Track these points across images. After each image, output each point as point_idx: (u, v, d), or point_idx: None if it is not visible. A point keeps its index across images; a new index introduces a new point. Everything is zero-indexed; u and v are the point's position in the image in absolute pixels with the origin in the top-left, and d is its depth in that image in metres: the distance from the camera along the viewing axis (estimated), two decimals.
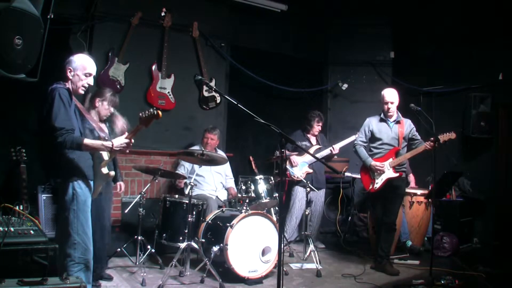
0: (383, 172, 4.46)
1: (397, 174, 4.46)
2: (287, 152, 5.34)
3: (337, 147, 5.23)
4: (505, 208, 5.62)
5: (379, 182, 4.48)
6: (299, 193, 5.35)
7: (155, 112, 2.67)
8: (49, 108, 2.71)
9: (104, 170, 2.98)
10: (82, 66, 2.89)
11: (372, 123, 4.62)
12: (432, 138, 4.23)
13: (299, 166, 5.30)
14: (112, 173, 3.05)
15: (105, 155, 3.02)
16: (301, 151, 5.20)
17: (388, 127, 4.56)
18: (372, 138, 4.61)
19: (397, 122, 4.55)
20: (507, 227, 5.45)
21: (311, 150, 5.25)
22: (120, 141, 2.81)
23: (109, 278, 3.85)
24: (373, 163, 4.48)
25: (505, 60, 5.60)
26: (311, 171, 5.30)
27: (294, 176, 5.21)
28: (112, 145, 2.77)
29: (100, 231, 3.62)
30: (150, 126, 5.40)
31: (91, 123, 3.21)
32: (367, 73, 6.94)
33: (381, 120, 4.60)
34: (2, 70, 2.16)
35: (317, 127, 5.44)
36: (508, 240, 5.24)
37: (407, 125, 4.59)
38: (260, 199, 4.53)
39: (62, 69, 2.91)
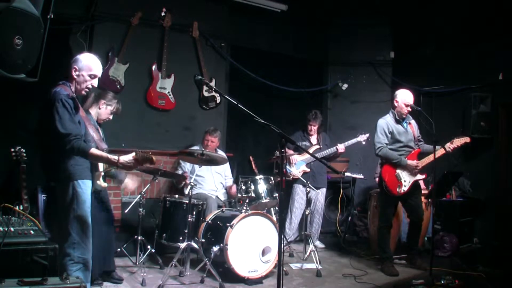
0: (417, 171, 4.40)
1: (424, 176, 4.44)
2: (289, 152, 5.36)
3: (342, 146, 5.22)
4: (505, 208, 5.62)
5: (407, 184, 4.42)
6: (298, 192, 5.35)
7: (149, 156, 2.67)
8: (52, 114, 2.68)
9: (99, 181, 2.99)
10: (88, 67, 2.86)
11: (390, 124, 4.51)
12: (452, 140, 4.32)
13: (297, 165, 5.30)
14: (105, 184, 3.05)
15: (100, 167, 3.01)
16: (301, 151, 5.21)
17: (404, 129, 4.53)
18: (392, 140, 4.50)
19: (409, 123, 4.55)
20: (507, 227, 5.45)
21: (310, 150, 5.25)
22: (127, 158, 2.78)
23: (120, 279, 3.80)
24: (410, 162, 4.38)
25: (505, 60, 5.60)
26: (308, 170, 5.30)
27: (290, 174, 5.21)
28: (118, 160, 2.74)
29: (108, 226, 3.63)
30: (150, 126, 5.45)
31: (92, 133, 3.19)
32: (367, 73, 6.94)
33: (397, 121, 4.53)
34: (2, 70, 2.16)
35: (309, 127, 5.42)
36: (508, 240, 5.24)
37: (416, 127, 4.61)
38: (260, 199, 4.53)
39: (68, 67, 2.89)
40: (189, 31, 5.59)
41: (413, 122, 4.63)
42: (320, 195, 5.44)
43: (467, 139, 4.38)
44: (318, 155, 5.18)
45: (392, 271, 4.41)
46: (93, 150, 2.70)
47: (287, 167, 5.24)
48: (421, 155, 4.53)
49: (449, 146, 4.34)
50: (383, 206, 4.64)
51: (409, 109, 4.45)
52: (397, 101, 4.50)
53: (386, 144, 4.49)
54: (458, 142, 4.35)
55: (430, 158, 4.35)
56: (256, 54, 6.35)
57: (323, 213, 5.60)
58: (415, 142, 4.57)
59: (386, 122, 4.53)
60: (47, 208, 4.00)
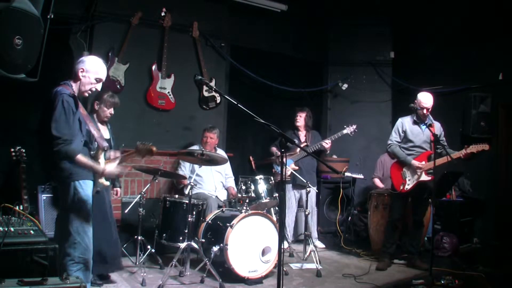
0: (421, 172, 4.42)
1: (429, 178, 4.41)
2: (274, 150, 5.40)
3: (328, 141, 5.22)
4: (505, 208, 5.62)
5: (410, 183, 4.48)
6: (288, 192, 5.34)
7: (150, 147, 2.68)
8: (51, 113, 2.70)
9: (101, 180, 2.99)
10: (95, 70, 2.89)
11: (405, 124, 4.59)
12: (466, 146, 4.27)
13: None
14: (107, 183, 3.06)
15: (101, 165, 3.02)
16: (291, 150, 5.21)
17: (421, 130, 4.54)
18: (404, 140, 4.59)
19: (429, 125, 4.46)
20: (507, 227, 5.45)
21: (297, 149, 5.22)
22: (111, 168, 2.79)
23: (106, 278, 3.86)
24: (414, 162, 4.44)
25: (505, 60, 5.60)
26: (296, 168, 5.28)
27: (278, 173, 5.20)
28: (103, 170, 2.76)
29: (108, 228, 3.63)
30: (150, 126, 5.44)
31: (92, 131, 3.19)
32: (367, 73, 6.94)
33: (415, 122, 4.57)
34: (2, 70, 2.16)
35: (296, 117, 5.46)
36: (508, 240, 5.24)
37: (438, 129, 4.56)
38: (260, 199, 4.53)
39: (68, 67, 2.89)
40: (189, 31, 5.59)
41: (437, 124, 4.58)
42: (310, 194, 5.39)
43: (485, 147, 4.26)
44: (303, 153, 5.18)
45: (382, 266, 4.51)
46: (80, 157, 2.71)
47: (275, 166, 5.26)
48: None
49: (463, 152, 4.27)
50: (391, 204, 4.74)
51: (424, 112, 4.45)
52: (415, 103, 4.53)
53: (398, 142, 4.60)
54: (474, 148, 4.24)
55: (438, 161, 4.20)
56: (256, 54, 6.35)
57: (317, 212, 5.59)
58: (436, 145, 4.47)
59: (402, 121, 4.64)
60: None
